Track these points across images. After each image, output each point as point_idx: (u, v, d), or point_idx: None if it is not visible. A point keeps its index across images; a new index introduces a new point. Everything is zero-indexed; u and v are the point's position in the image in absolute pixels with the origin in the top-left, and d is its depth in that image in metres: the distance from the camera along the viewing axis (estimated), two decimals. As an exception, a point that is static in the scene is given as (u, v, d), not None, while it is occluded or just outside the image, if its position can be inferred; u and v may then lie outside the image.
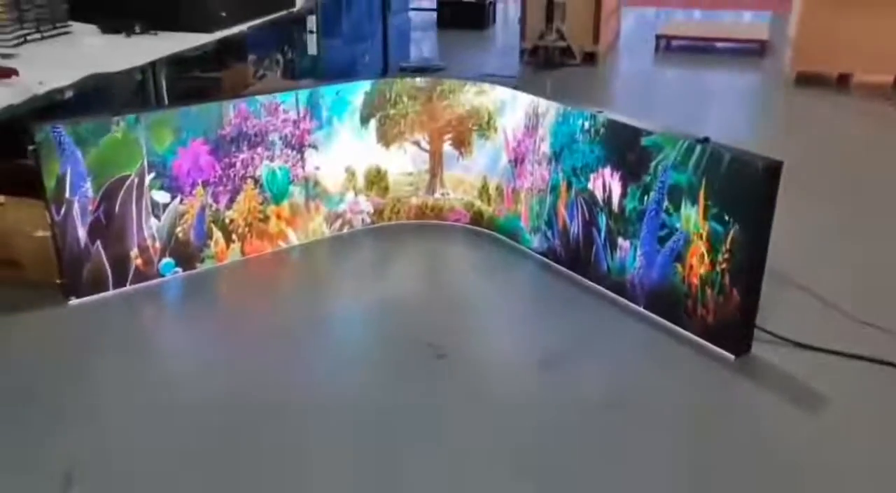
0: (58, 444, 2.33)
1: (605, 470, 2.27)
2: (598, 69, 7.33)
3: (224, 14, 4.44)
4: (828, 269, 3.42)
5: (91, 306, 3.10)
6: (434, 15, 9.37)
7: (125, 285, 3.20)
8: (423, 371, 2.74)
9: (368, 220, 3.81)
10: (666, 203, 2.86)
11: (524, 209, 3.54)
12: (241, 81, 5.46)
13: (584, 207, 3.22)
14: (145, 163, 3.10)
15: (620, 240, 3.09)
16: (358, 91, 3.58)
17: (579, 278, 3.30)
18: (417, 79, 3.70)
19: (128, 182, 3.08)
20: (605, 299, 3.16)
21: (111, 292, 3.17)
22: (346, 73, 5.83)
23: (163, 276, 3.28)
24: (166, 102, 3.77)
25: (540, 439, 2.40)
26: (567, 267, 3.36)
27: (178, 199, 3.22)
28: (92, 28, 4.31)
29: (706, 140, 2.73)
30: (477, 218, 3.80)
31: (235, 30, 4.57)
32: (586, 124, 3.12)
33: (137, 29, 4.26)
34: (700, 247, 2.77)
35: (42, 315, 3.04)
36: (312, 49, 5.74)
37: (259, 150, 3.39)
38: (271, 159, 3.43)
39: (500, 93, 3.53)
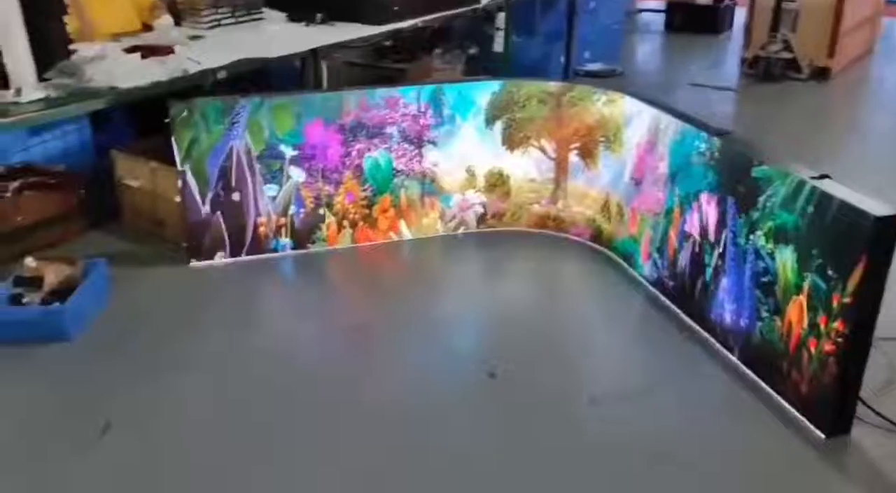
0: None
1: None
2: (827, 88, 6.49)
3: (396, 8, 4.57)
4: None
5: (206, 270, 3.38)
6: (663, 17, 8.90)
7: (240, 255, 3.43)
8: (468, 388, 2.63)
9: (482, 211, 3.70)
10: (771, 246, 2.46)
11: (641, 232, 3.25)
12: (425, 73, 5.61)
13: (694, 238, 2.88)
14: (266, 144, 3.29)
15: (724, 280, 2.72)
16: (484, 91, 3.50)
17: (682, 315, 2.96)
18: (550, 83, 3.53)
19: (247, 160, 3.29)
20: (702, 341, 2.81)
21: (227, 260, 3.42)
22: (533, 72, 5.73)
23: (276, 251, 3.48)
24: (324, 86, 3.99)
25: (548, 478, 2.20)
26: (673, 301, 3.03)
27: (299, 178, 3.38)
28: (281, 16, 4.67)
29: (823, 177, 2.30)
30: (597, 235, 3.55)
31: (407, 24, 4.69)
32: (702, 146, 2.78)
33: (318, 19, 4.54)
34: (801, 302, 2.35)
35: (167, 271, 3.36)
36: (499, 46, 5.72)
37: (376, 141, 3.45)
38: (389, 151, 3.48)
39: (629, 104, 3.25)
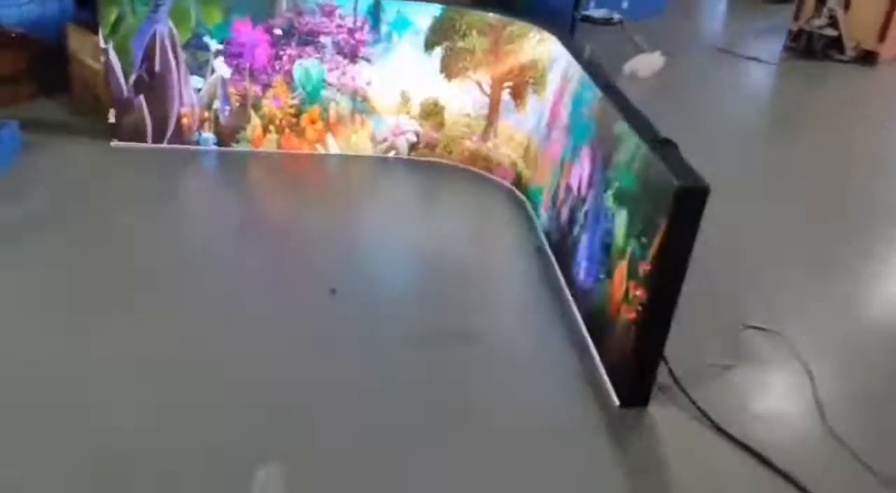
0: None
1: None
2: (871, 74, 6.03)
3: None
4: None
5: (124, 150, 3.47)
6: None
7: (162, 143, 3.51)
8: (305, 297, 2.66)
9: (415, 140, 3.65)
10: (614, 207, 2.36)
11: (546, 181, 3.16)
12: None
13: (573, 192, 2.78)
14: (193, 33, 3.31)
15: (584, 237, 2.63)
16: (425, 13, 3.41)
17: (558, 268, 2.89)
18: (490, 14, 3.40)
19: (175, 45, 3.32)
20: (562, 300, 2.75)
21: (148, 145, 3.50)
22: (545, 12, 5.51)
23: (198, 144, 3.54)
24: None
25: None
26: (554, 254, 2.96)
27: (224, 74, 3.40)
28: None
29: (663, 142, 2.17)
30: (517, 180, 3.47)
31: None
32: (590, 96, 2.65)
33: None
34: (623, 267, 2.26)
35: (87, 146, 3.47)
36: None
37: (308, 49, 3.43)
38: (321, 61, 3.45)
39: (555, 46, 3.12)
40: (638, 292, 2.13)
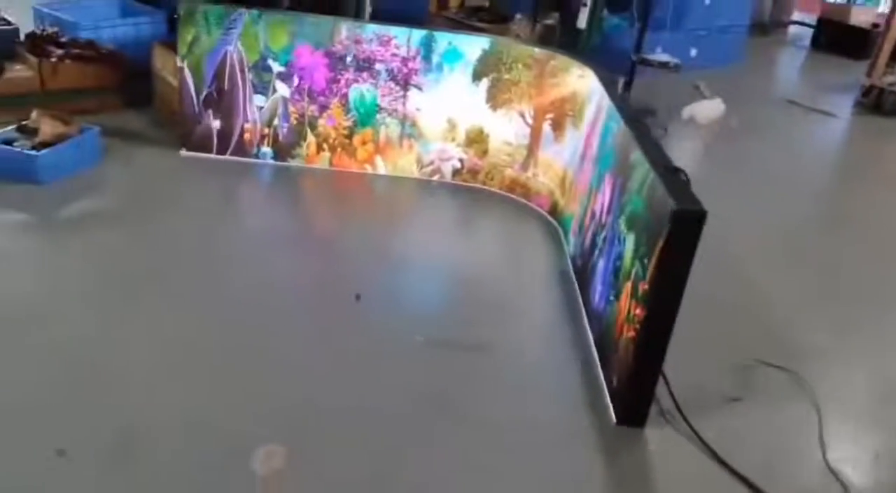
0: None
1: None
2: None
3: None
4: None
5: (192, 159, 3.76)
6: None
7: (225, 154, 3.79)
8: (332, 301, 2.83)
9: (460, 166, 3.82)
10: (625, 231, 2.45)
11: (575, 209, 3.26)
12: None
13: (596, 218, 2.88)
14: (260, 55, 3.59)
15: (600, 261, 2.72)
16: (474, 45, 3.60)
17: (579, 291, 2.97)
18: (535, 49, 3.56)
19: (243, 66, 3.61)
20: (580, 323, 2.83)
21: (213, 156, 3.79)
22: (613, 55, 5.64)
23: (258, 158, 3.80)
24: (366, 18, 4.25)
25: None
26: (577, 278, 3.05)
27: (284, 93, 3.66)
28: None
29: (673, 170, 2.26)
30: (553, 208, 3.58)
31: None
32: (614, 126, 2.76)
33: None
34: (628, 288, 2.34)
35: (159, 154, 3.78)
36: (582, 23, 5.68)
37: (364, 74, 3.66)
38: (376, 86, 3.67)
39: (593, 81, 3.24)
40: (637, 311, 2.20)
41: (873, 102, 6.11)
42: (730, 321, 2.95)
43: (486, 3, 6.81)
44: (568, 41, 5.87)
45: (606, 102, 2.96)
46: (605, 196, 2.77)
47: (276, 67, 3.61)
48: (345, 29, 3.58)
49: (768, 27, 8.39)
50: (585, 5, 5.65)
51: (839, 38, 7.99)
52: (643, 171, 2.34)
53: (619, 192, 2.59)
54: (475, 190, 3.82)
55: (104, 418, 2.13)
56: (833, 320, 3.06)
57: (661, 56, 5.01)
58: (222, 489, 1.97)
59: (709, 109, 5.41)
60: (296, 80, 3.64)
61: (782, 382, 2.63)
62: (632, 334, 2.24)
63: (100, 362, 2.35)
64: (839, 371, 2.75)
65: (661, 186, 2.14)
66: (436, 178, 3.86)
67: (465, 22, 6.14)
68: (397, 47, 3.62)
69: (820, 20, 8.25)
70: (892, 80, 5.98)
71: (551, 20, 5.69)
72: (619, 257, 2.47)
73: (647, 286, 2.15)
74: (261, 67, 3.62)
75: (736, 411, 2.47)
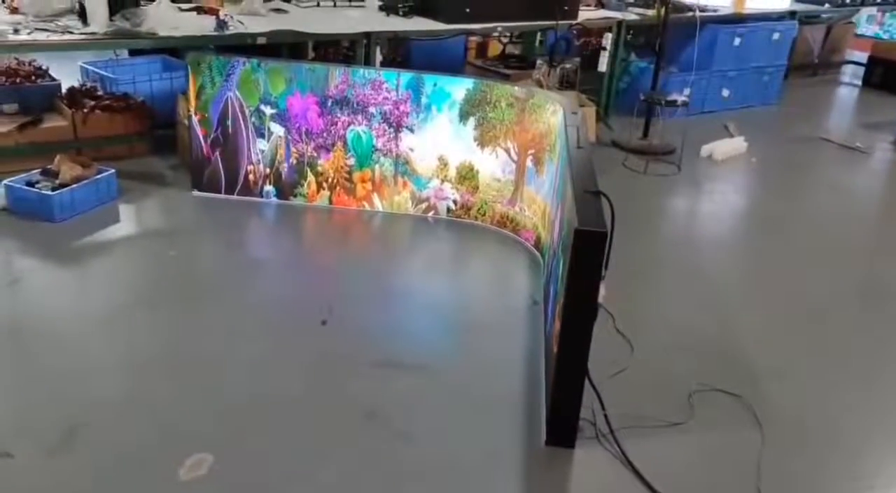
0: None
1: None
2: None
3: (468, 10, 4.91)
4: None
5: (202, 199, 4.03)
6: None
7: (233, 194, 4.04)
8: (299, 327, 2.98)
9: (454, 208, 3.94)
10: (560, 256, 2.51)
11: (551, 240, 3.32)
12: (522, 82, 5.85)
13: (554, 247, 2.94)
14: (261, 100, 3.85)
15: (552, 288, 2.77)
16: (460, 86, 3.75)
17: (542, 323, 3.02)
18: (516, 88, 3.68)
19: (244, 111, 3.87)
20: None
21: (222, 195, 4.05)
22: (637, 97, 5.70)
23: (262, 197, 4.04)
24: (377, 66, 4.48)
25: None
26: (545, 311, 3.10)
27: (283, 132, 3.90)
28: (376, 4, 5.23)
29: (594, 194, 2.32)
30: (537, 241, 3.65)
31: (478, 26, 5.02)
32: (564, 159, 2.84)
33: (401, 11, 5.04)
34: (559, 309, 2.39)
35: (174, 194, 4.07)
36: (602, 66, 5.79)
37: (359, 117, 3.86)
38: (370, 128, 3.86)
39: (561, 115, 3.33)
40: (557, 326, 2.25)
41: (912, 140, 5.92)
42: (690, 348, 2.94)
43: (519, 51, 7.00)
44: (592, 85, 6.00)
45: (563, 134, 3.04)
46: (557, 226, 2.84)
47: (269, 111, 3.86)
48: (338, 75, 3.80)
49: (816, 67, 8.25)
50: (605, 49, 5.77)
51: (890, 75, 7.79)
52: (569, 195, 2.41)
53: (562, 219, 2.66)
54: (467, 225, 3.93)
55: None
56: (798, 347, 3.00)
57: (672, 95, 5.04)
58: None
59: (729, 146, 5.37)
60: (294, 123, 3.88)
61: (730, 407, 2.59)
62: (556, 349, 2.28)
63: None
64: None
65: (572, 209, 2.21)
66: (431, 214, 3.99)
67: (492, 69, 6.32)
68: (388, 91, 3.81)
69: (870, 58, 8.06)
70: (931, 116, 5.78)
71: (570, 64, 5.81)
72: (557, 280, 2.52)
73: (562, 300, 2.20)
74: (261, 112, 3.87)
75: (674, 436, 2.45)
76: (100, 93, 4.56)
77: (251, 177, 4.01)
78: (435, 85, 3.77)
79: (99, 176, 3.80)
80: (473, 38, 6.92)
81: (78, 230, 3.57)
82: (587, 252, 2.08)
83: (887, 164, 5.66)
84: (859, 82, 8.08)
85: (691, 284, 3.53)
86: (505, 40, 6.99)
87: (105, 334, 2.82)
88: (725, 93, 6.62)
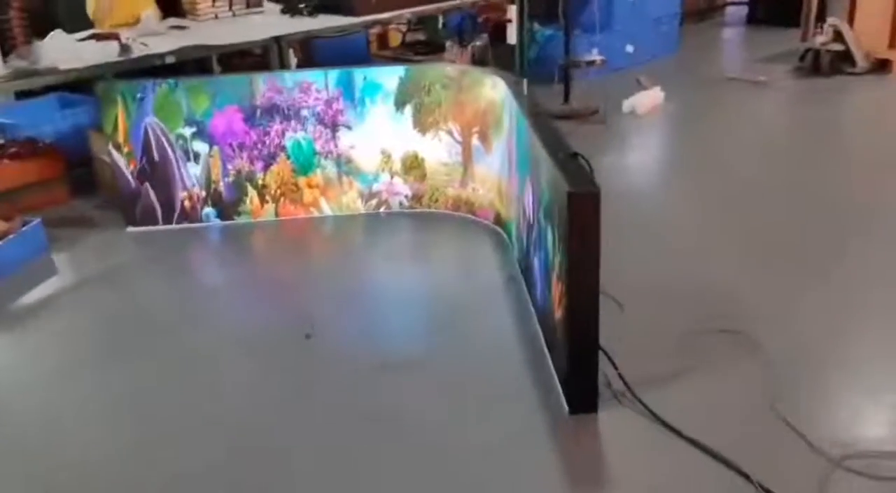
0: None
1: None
2: (886, 83, 5.94)
3: (373, 1, 4.81)
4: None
5: (139, 234, 3.81)
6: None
7: (171, 223, 3.83)
8: (281, 341, 2.85)
9: (407, 203, 3.87)
10: (546, 225, 2.48)
11: (513, 213, 3.29)
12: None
13: (528, 219, 2.91)
14: (185, 121, 3.66)
15: (535, 259, 2.74)
16: (391, 76, 3.67)
17: (528, 294, 2.99)
18: (448, 67, 3.63)
19: (167, 136, 3.67)
20: (531, 321, 2.84)
21: (160, 227, 3.84)
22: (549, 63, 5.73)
23: (203, 221, 3.84)
24: (292, 69, 4.31)
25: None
26: (525, 282, 3.06)
27: (212, 149, 3.71)
28: (276, 8, 5.06)
29: (571, 156, 2.29)
30: (497, 218, 3.61)
31: (386, 15, 4.93)
32: (524, 127, 2.80)
33: (305, 11, 4.89)
34: (555, 274, 2.36)
35: (106, 235, 3.83)
36: (511, 38, 5.79)
37: (292, 123, 3.72)
38: (307, 132, 3.73)
39: (504, 89, 3.30)
40: (559, 289, 2.22)
41: (811, 65, 6.18)
42: (674, 296, 2.98)
43: (423, 37, 6.93)
44: (503, 58, 6.00)
45: (514, 106, 3.01)
46: (529, 196, 2.81)
47: (192, 130, 3.67)
48: (262, 82, 3.65)
49: (704, 12, 8.54)
50: (510, 21, 5.78)
51: (773, 10, 8.13)
52: (546, 162, 2.37)
53: (537, 188, 2.63)
54: (422, 215, 3.86)
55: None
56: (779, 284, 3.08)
57: (587, 56, 5.10)
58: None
59: (648, 98, 5.48)
60: (223, 140, 3.71)
61: (733, 346, 2.64)
62: (562, 314, 2.25)
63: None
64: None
65: (558, 172, 2.18)
66: (382, 209, 3.90)
67: (401, 58, 6.24)
68: (318, 91, 3.69)
69: (752, -3, 8.40)
70: (824, 40, 6.06)
71: (480, 41, 5.80)
72: (546, 249, 2.49)
73: (563, 268, 2.17)
74: (187, 133, 3.68)
75: (688, 381, 2.47)
76: (2, 142, 4.24)
77: (187, 203, 3.81)
78: (365, 78, 3.67)
79: (24, 228, 3.53)
80: (373, 31, 6.82)
81: (14, 290, 3.31)
82: (583, 214, 2.05)
83: (791, 91, 5.91)
84: (743, 21, 8.43)
85: (653, 234, 3.57)
86: (404, 28, 6.91)
87: (69, 391, 2.61)
88: (630, 48, 6.74)
